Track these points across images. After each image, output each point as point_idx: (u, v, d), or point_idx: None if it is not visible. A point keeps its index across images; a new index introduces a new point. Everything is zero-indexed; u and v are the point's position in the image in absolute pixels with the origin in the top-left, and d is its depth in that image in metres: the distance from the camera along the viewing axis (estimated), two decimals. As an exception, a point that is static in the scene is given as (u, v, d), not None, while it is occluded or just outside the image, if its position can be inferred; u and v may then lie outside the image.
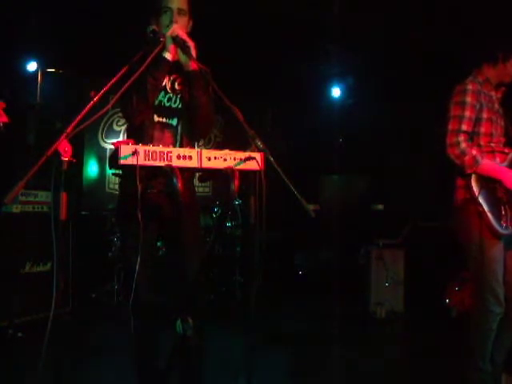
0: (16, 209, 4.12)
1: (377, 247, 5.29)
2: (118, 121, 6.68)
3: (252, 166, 1.92)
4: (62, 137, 1.74)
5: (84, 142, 6.46)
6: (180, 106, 2.47)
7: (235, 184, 1.90)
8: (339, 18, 4.85)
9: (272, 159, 1.86)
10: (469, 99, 2.76)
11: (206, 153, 1.90)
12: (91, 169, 6.62)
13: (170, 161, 1.85)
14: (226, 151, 1.93)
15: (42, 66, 6.15)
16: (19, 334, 3.88)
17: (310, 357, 3.83)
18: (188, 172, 2.22)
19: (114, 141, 5.13)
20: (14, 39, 5.42)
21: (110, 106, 2.02)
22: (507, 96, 3.02)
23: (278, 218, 5.34)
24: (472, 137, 2.79)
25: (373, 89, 6.37)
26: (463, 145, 2.72)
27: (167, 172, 1.86)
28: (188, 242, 2.41)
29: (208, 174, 2.07)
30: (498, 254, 2.77)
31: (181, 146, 2.40)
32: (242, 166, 1.92)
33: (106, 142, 6.68)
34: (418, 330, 4.73)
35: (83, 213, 6.33)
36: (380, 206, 6.20)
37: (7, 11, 4.89)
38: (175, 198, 1.95)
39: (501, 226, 2.72)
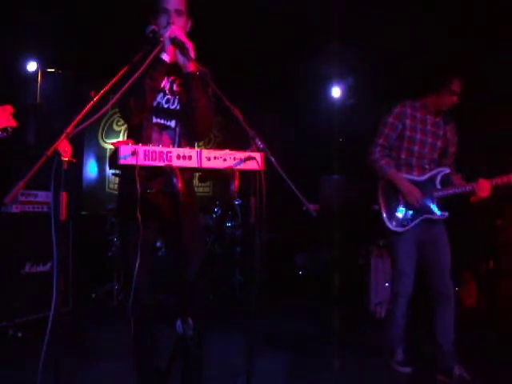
0: (16, 209, 4.13)
1: (377, 247, 5.29)
2: (118, 121, 6.69)
3: (252, 165, 1.92)
4: (62, 137, 1.73)
5: (84, 142, 6.47)
6: (178, 107, 2.47)
7: (235, 184, 1.90)
8: (339, 17, 4.85)
9: (273, 159, 1.86)
10: (390, 120, 3.40)
11: (205, 153, 1.90)
12: (91, 169, 6.63)
13: (170, 161, 1.84)
14: (226, 151, 1.93)
15: (42, 66, 6.16)
16: (19, 334, 3.88)
17: (310, 357, 3.83)
18: (188, 172, 2.22)
19: (114, 141, 5.13)
20: (14, 39, 5.41)
21: (109, 106, 2.01)
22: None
23: (278, 218, 5.33)
24: (392, 149, 3.41)
25: (373, 89, 6.37)
26: (377, 155, 3.40)
27: (167, 172, 1.86)
28: (188, 242, 2.41)
29: (208, 174, 2.07)
30: (405, 246, 3.32)
31: (179, 147, 2.40)
32: (242, 166, 1.92)
33: (105, 142, 6.69)
34: (417, 329, 4.72)
35: (83, 213, 6.34)
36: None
37: (7, 11, 4.88)
38: (175, 198, 1.94)
39: (391, 224, 3.37)
